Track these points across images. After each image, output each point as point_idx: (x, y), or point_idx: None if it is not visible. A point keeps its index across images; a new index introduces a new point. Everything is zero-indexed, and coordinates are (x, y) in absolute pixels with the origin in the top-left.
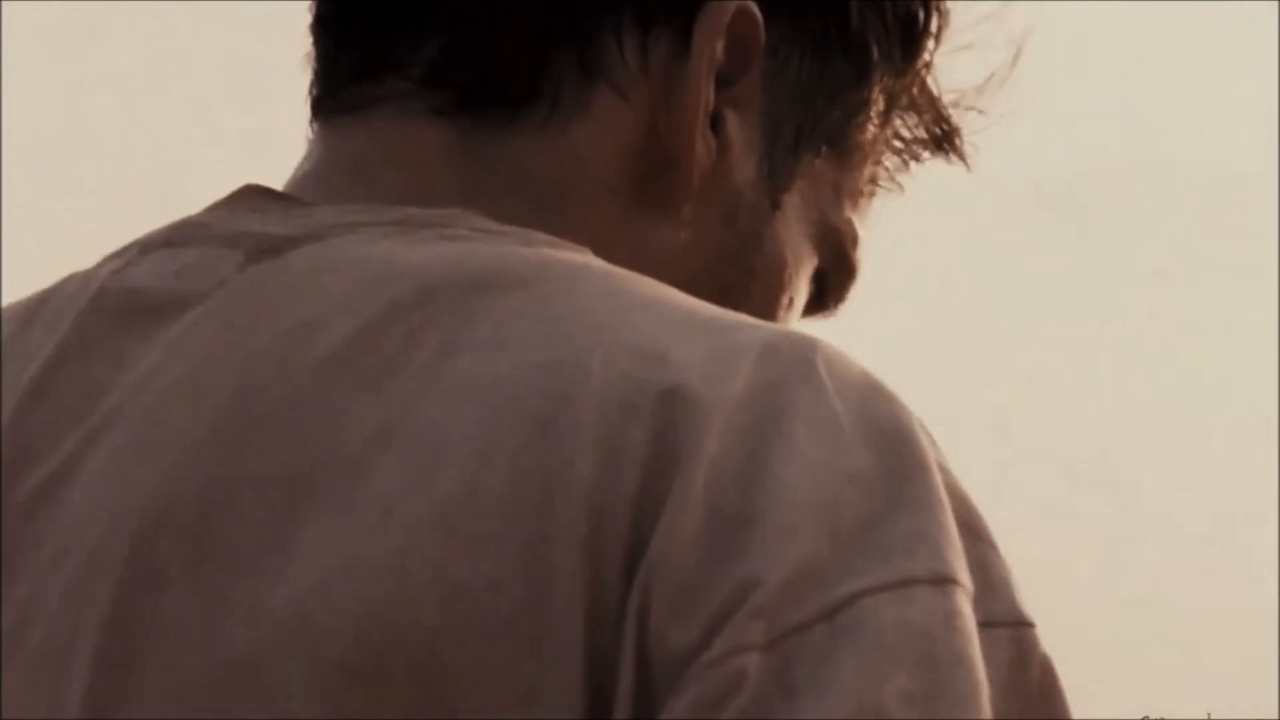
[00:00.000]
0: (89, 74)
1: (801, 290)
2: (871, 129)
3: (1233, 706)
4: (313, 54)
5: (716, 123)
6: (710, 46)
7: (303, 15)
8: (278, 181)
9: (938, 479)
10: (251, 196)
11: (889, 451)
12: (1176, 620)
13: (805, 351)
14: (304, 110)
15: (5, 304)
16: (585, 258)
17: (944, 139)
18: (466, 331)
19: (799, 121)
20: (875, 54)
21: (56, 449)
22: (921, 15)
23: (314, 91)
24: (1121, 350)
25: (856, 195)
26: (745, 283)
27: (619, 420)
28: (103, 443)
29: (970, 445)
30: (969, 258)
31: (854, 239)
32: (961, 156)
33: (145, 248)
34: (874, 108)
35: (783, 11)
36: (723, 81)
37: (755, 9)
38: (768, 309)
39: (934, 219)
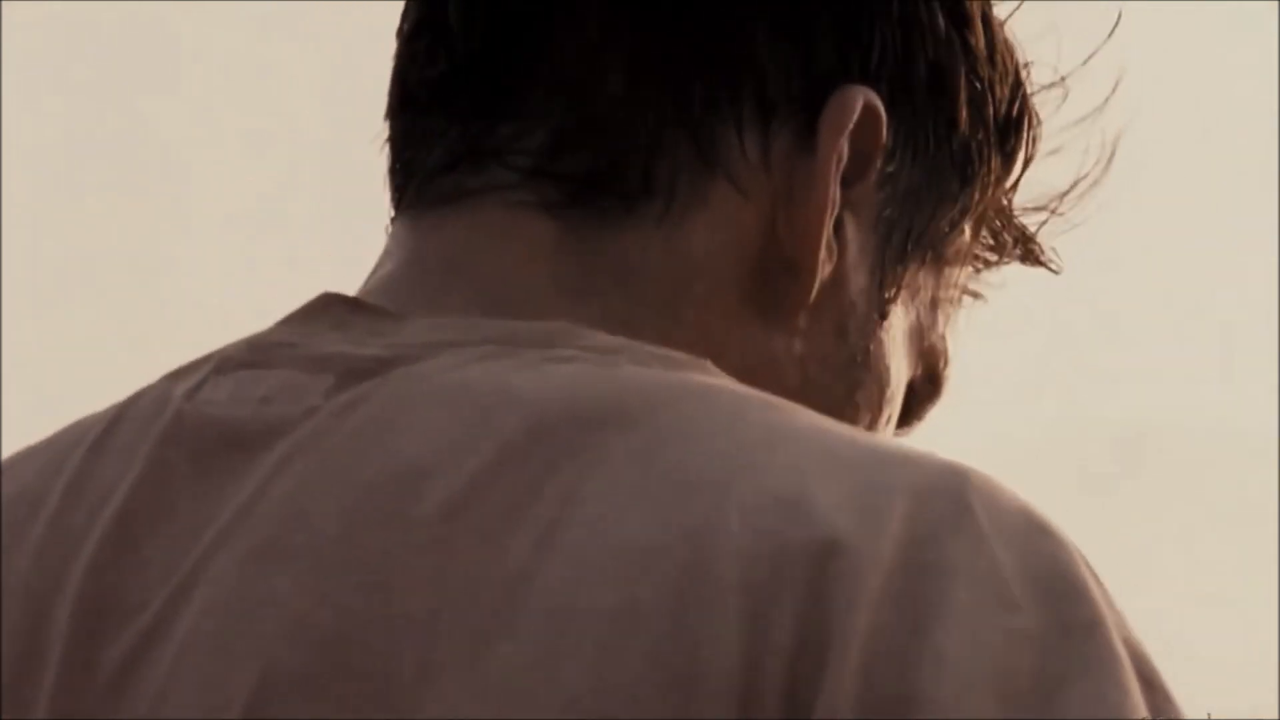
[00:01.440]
0: (89, 74)
1: (899, 407)
2: (967, 237)
3: (1233, 707)
4: (395, 138)
5: (837, 227)
6: (838, 144)
7: (304, 15)
8: (276, 188)
9: (1112, 631)
10: (333, 308)
11: (1059, 604)
12: (1177, 621)
13: (958, 491)
14: (306, 112)
15: (72, 421)
16: (705, 378)
17: (1028, 249)
18: (587, 483)
19: (907, 228)
20: (980, 158)
21: (143, 607)
22: (1022, 121)
23: (397, 180)
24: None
25: (949, 307)
26: (851, 399)
27: (764, 591)
28: (194, 602)
29: None
30: None
31: (946, 357)
32: (1045, 264)
33: (222, 367)
34: (973, 215)
35: (898, 111)
36: (844, 182)
37: (881, 106)
38: (875, 428)
39: None
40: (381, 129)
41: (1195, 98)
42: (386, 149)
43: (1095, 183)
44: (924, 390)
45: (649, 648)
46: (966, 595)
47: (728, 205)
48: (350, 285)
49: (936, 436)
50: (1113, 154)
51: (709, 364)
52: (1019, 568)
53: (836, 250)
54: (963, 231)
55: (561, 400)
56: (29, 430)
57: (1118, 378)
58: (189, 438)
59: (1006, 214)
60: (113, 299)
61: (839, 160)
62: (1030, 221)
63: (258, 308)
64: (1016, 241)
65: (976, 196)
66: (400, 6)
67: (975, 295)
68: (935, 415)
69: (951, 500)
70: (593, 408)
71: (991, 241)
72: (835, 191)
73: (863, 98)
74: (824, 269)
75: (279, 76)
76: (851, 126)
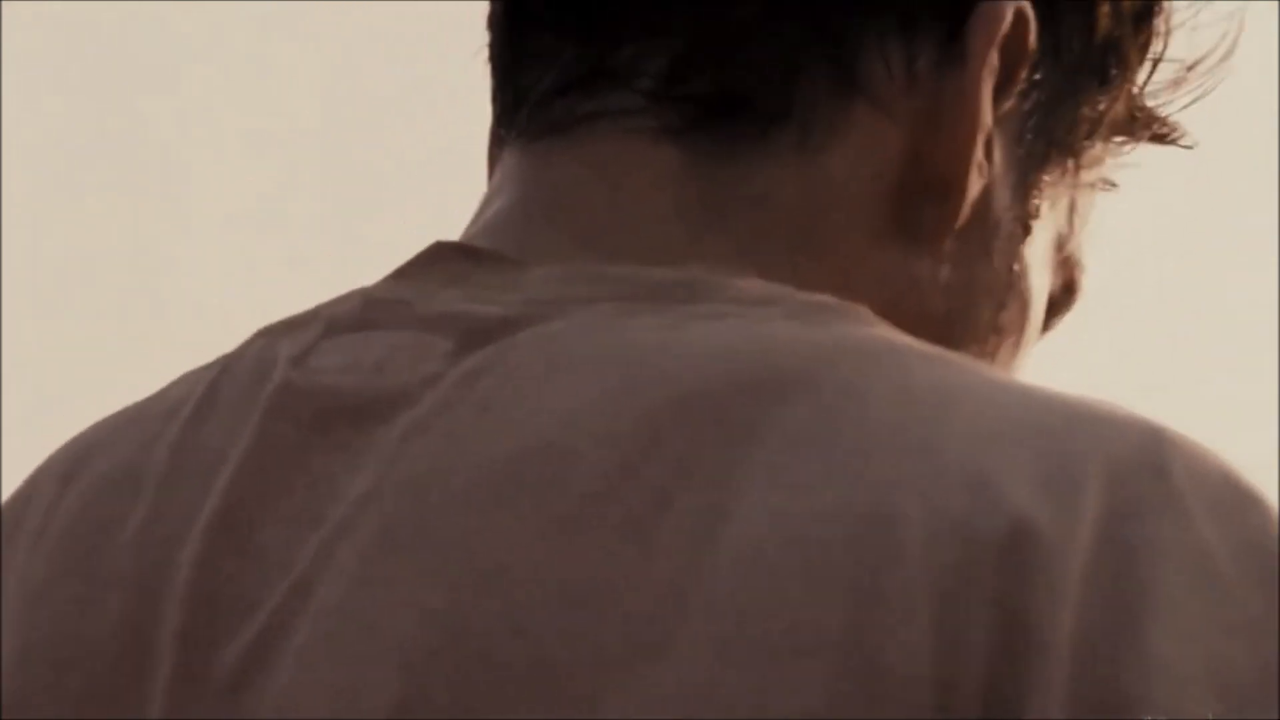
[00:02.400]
0: (89, 74)
1: (1040, 325)
2: (1104, 138)
3: None
4: (501, 55)
5: (986, 145)
6: (989, 56)
7: (309, 15)
8: (276, 188)
9: None
10: (449, 259)
11: (1275, 586)
12: None
13: (1158, 459)
14: (305, 109)
15: (167, 382)
16: (863, 330)
17: (1160, 130)
18: (745, 466)
19: (1049, 136)
20: (1119, 54)
21: (259, 603)
22: (1154, 6)
23: (505, 103)
24: None
25: (1085, 211)
26: (996, 322)
27: (954, 589)
28: (316, 599)
29: None
30: None
31: (1084, 268)
32: (1177, 142)
33: (331, 328)
34: (1116, 118)
35: (1041, 11)
36: (993, 96)
37: (1030, 10)
38: (1018, 348)
39: None
40: (480, 46)
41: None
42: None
43: (1224, 56)
44: (1060, 301)
45: (827, 667)
46: (1176, 582)
47: (870, 128)
48: (350, 285)
49: None
50: (1239, 27)
51: (864, 310)
52: (1230, 547)
53: (986, 169)
54: (1103, 136)
55: (711, 367)
56: (29, 430)
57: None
58: (300, 410)
59: (1138, 101)
60: (112, 298)
61: (990, 75)
62: (1159, 101)
63: (258, 308)
64: (1147, 124)
65: (1115, 94)
66: (399, 9)
67: (1109, 187)
68: None
69: (1151, 471)
70: (746, 374)
71: (1123, 128)
72: (987, 109)
73: (1011, 4)
74: (973, 190)
75: (279, 76)
76: (1002, 37)
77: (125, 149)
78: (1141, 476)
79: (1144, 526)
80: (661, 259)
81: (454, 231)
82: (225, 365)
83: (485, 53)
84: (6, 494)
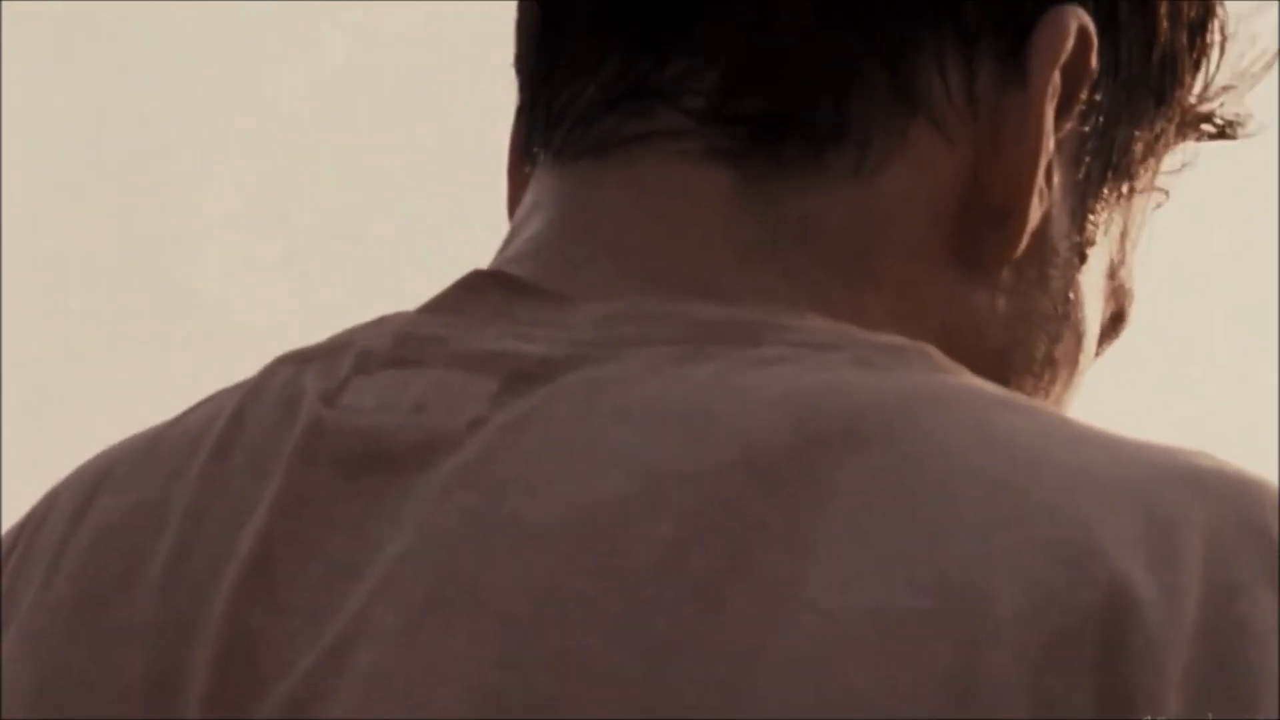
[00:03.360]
0: (89, 74)
1: (1093, 357)
2: (1159, 156)
3: None
4: (535, 67)
5: (1047, 170)
6: (1052, 76)
7: (311, 13)
8: (280, 184)
9: None
10: (490, 290)
11: None
12: None
13: (1259, 520)
14: (307, 110)
15: (180, 412)
16: (935, 376)
17: (1217, 129)
18: (819, 526)
19: (1106, 158)
20: (1176, 73)
21: (292, 664)
22: (1210, 19)
23: (539, 119)
24: None
25: (1137, 236)
26: (1051, 355)
27: (1054, 665)
28: (356, 665)
29: None
30: None
31: (1133, 296)
32: (1234, 136)
33: (363, 363)
34: (1169, 136)
35: (1101, 27)
36: (1055, 118)
37: (1092, 27)
38: (1071, 382)
39: None
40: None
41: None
42: (518, 79)
43: (1272, 61)
44: (1108, 331)
45: None
46: None
47: (929, 150)
48: (352, 286)
49: None
50: None
51: (933, 352)
52: None
53: (1046, 195)
54: (1157, 154)
55: (779, 420)
56: (29, 429)
57: None
58: (332, 452)
59: (1190, 108)
60: (112, 297)
61: (1053, 94)
62: (1210, 103)
63: (256, 306)
64: (1197, 125)
65: (1171, 114)
66: (399, 9)
67: (1161, 204)
68: None
69: (1254, 536)
70: (817, 428)
71: (1176, 136)
72: (1049, 132)
73: (1076, 20)
74: (1034, 217)
75: (279, 75)
76: (1066, 57)
77: (125, 146)
78: (1244, 543)
79: (1251, 602)
80: (714, 292)
81: (470, 235)
82: (249, 394)
83: (502, 57)
84: (7, 494)
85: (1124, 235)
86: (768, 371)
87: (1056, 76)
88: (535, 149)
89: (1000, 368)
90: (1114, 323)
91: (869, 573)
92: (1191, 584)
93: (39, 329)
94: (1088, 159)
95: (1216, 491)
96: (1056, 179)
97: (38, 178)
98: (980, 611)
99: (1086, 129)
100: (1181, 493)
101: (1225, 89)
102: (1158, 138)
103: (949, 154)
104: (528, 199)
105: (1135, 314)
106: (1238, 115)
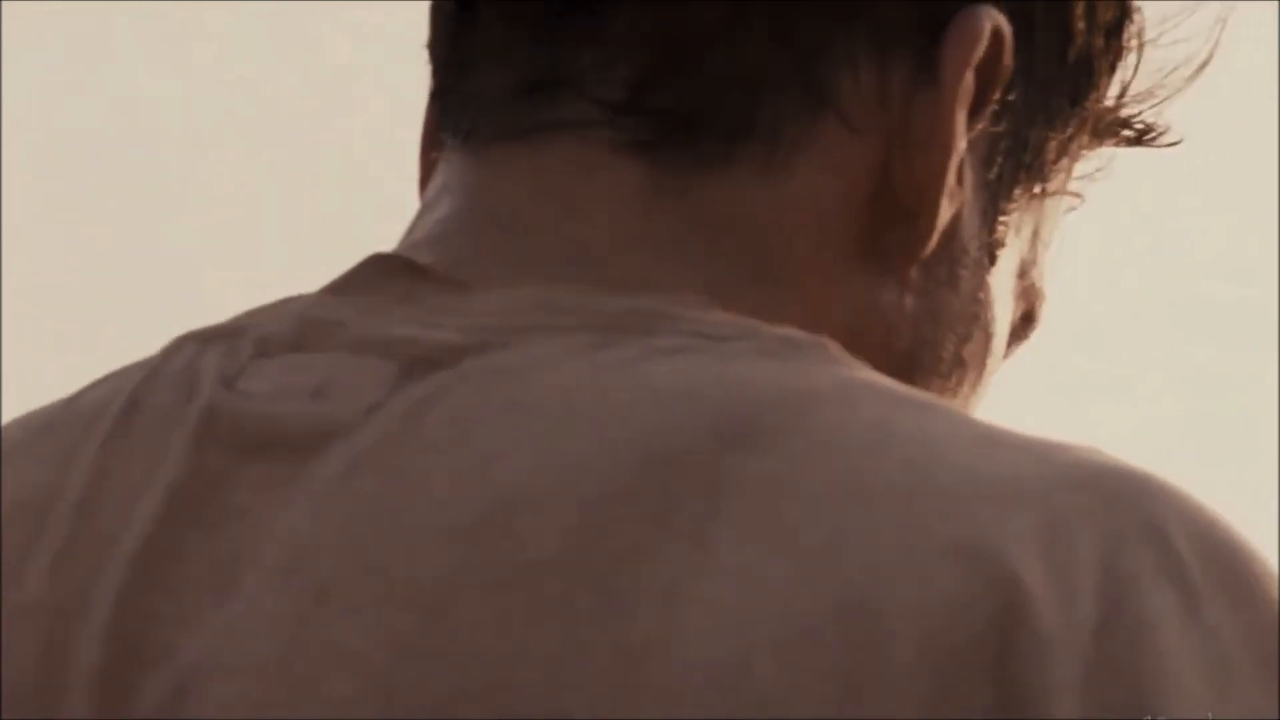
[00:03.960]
0: (89, 74)
1: (1001, 358)
2: (1072, 157)
3: None
4: (446, 50)
5: (958, 169)
6: (964, 76)
7: (315, 11)
8: (275, 184)
9: None
10: (391, 274)
11: (1275, 671)
12: None
13: (1156, 520)
14: (316, 113)
15: (79, 389)
16: (836, 370)
17: (1136, 133)
18: (718, 523)
19: (1019, 159)
20: (1093, 72)
21: (180, 645)
22: (1126, 19)
23: (449, 104)
24: None
25: (1049, 237)
26: (959, 355)
27: (951, 670)
28: (240, 649)
29: None
30: None
31: (1044, 296)
32: (1154, 142)
33: (263, 348)
34: (1083, 138)
35: (1017, 28)
36: (967, 118)
37: (1007, 28)
38: (980, 381)
39: None
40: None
41: (1192, 105)
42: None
43: (1203, 65)
44: (1019, 330)
45: None
46: (1182, 669)
47: (839, 148)
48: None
49: None
50: (1220, 34)
51: (834, 347)
52: (1234, 628)
53: (957, 195)
54: (1071, 154)
55: (679, 413)
56: None
57: None
58: (229, 437)
59: (1107, 110)
60: (112, 296)
61: (965, 95)
62: (1131, 108)
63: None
64: (1116, 130)
65: (1085, 114)
66: (399, 9)
67: (1075, 206)
68: None
69: (1151, 536)
70: (713, 422)
71: (1091, 139)
72: (961, 132)
73: (989, 21)
74: (943, 216)
75: (280, 73)
76: (979, 57)
77: (126, 143)
78: (1141, 543)
79: (1148, 603)
80: (617, 283)
81: None
82: (147, 374)
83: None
84: None
85: (1036, 236)
86: (668, 362)
87: (969, 77)
88: (445, 133)
89: (908, 367)
90: (1024, 323)
91: (767, 571)
92: (1089, 584)
93: (39, 327)
94: (1000, 159)
95: (1114, 491)
96: (968, 179)
97: (40, 177)
98: (877, 612)
99: (999, 129)
100: (1079, 493)
101: (1143, 94)
102: (1071, 139)
103: (860, 152)
104: (436, 181)
105: (1045, 315)
106: (1155, 123)
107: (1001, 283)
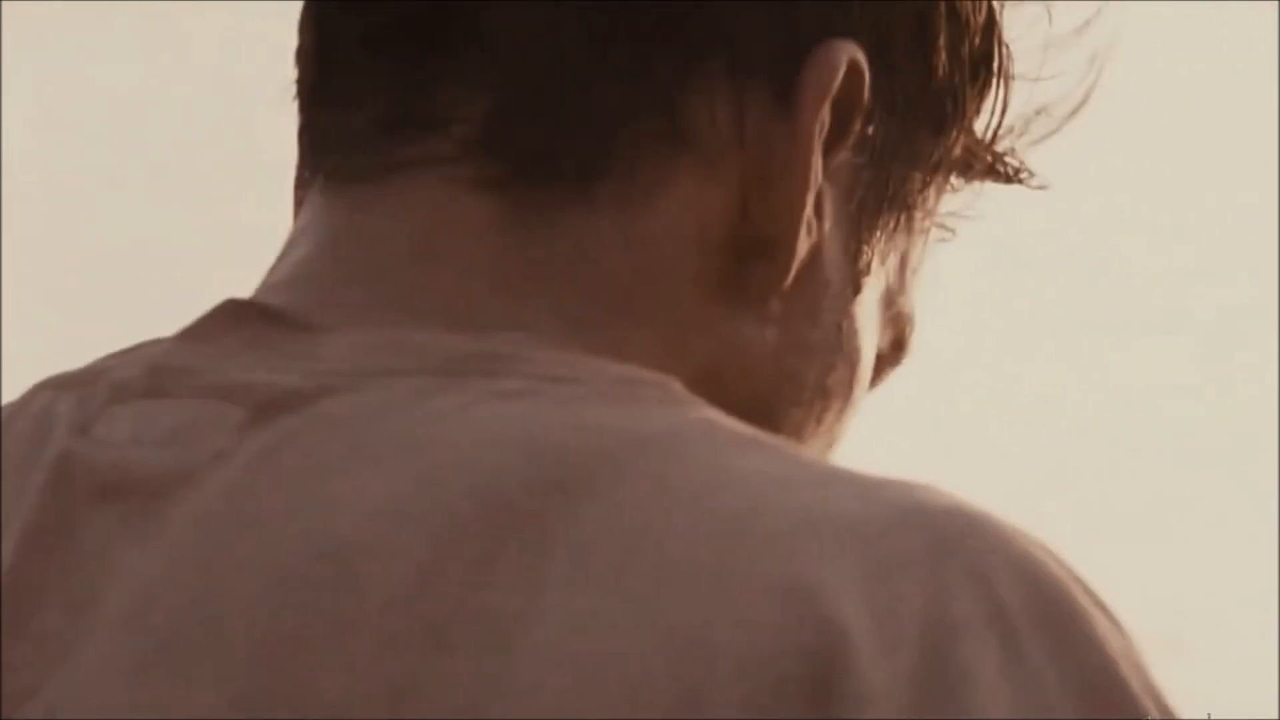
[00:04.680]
0: (89, 75)
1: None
2: (938, 187)
3: (1233, 708)
4: (309, 92)
5: (816, 202)
6: (820, 112)
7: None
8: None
9: None
10: (243, 321)
11: (1103, 709)
12: (1176, 620)
13: (981, 565)
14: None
15: None
16: (675, 412)
17: (1003, 170)
18: (549, 568)
19: (881, 189)
20: (956, 103)
21: (35, 692)
22: (993, 51)
23: (313, 144)
24: None
25: (916, 264)
26: (823, 384)
27: (770, 708)
28: (87, 706)
29: None
30: None
31: (913, 322)
32: (1020, 181)
33: (118, 394)
34: (946, 165)
35: (876, 63)
36: (824, 152)
37: (864, 63)
38: (845, 410)
39: None
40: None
41: (1192, 105)
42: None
43: (1076, 109)
44: (889, 358)
45: None
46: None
47: (696, 185)
48: None
49: None
50: (1097, 78)
51: (675, 386)
52: (1060, 676)
53: (816, 227)
54: (936, 185)
55: (507, 460)
56: None
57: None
58: (82, 483)
59: (977, 144)
60: (112, 295)
61: (821, 129)
62: (1002, 146)
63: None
64: (988, 167)
65: (950, 144)
66: None
67: (945, 237)
68: None
69: (975, 582)
70: (547, 467)
71: (959, 172)
72: (818, 165)
73: (846, 56)
74: (801, 249)
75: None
76: (835, 91)
77: (125, 150)
78: (965, 587)
79: (969, 653)
80: (470, 324)
81: None
82: (6, 420)
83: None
84: None
85: (904, 264)
86: (506, 406)
87: (825, 111)
88: (308, 170)
89: (771, 399)
90: (894, 350)
91: (597, 617)
92: (912, 634)
93: (39, 327)
94: (861, 191)
95: (942, 534)
96: (828, 210)
97: (38, 178)
98: (702, 656)
99: (860, 161)
100: (907, 535)
101: (1014, 132)
102: (935, 169)
103: (717, 188)
104: (297, 223)
105: (916, 343)
106: (1021, 165)
107: (867, 311)
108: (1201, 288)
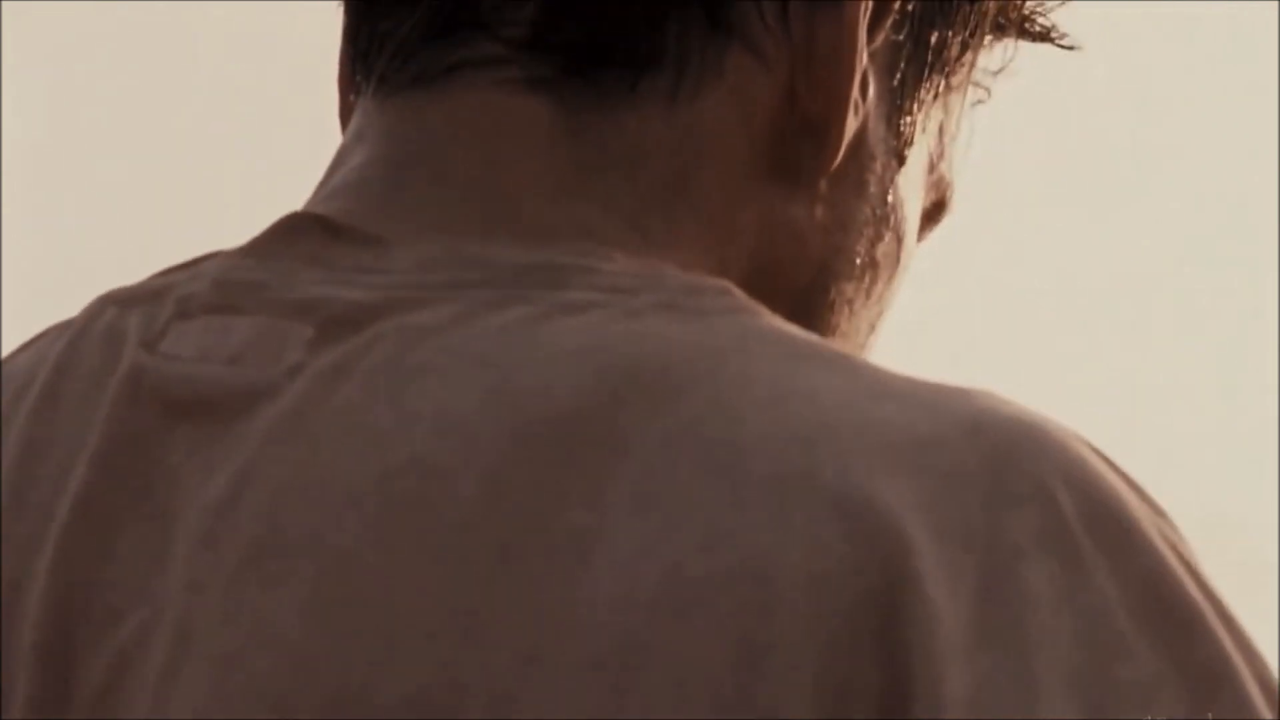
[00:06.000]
0: (89, 75)
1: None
2: (975, 49)
3: None
4: (356, 6)
5: (861, 83)
6: None
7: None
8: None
9: (1247, 685)
10: (307, 235)
11: (1177, 642)
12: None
13: (1046, 481)
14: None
15: (11, 351)
16: (738, 324)
17: (1036, 28)
18: (614, 483)
19: (921, 61)
20: None
21: (119, 617)
22: None
23: (361, 50)
24: None
25: (955, 128)
26: (872, 256)
27: (839, 635)
28: (178, 621)
29: None
30: None
31: (953, 185)
32: (1054, 40)
33: (184, 309)
34: (984, 31)
35: None
36: (867, 33)
37: None
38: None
39: None
40: None
41: (1194, 106)
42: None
43: None
44: (930, 216)
45: (711, 713)
46: (1070, 640)
47: (745, 75)
48: None
49: None
50: None
51: (736, 292)
52: (1125, 595)
53: (861, 107)
54: (973, 47)
55: (581, 374)
56: None
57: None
58: (154, 399)
59: (1011, 5)
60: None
61: (865, 13)
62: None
63: None
64: (1019, 24)
65: (987, 9)
66: None
67: (981, 99)
68: None
69: (1041, 500)
70: (614, 382)
71: (993, 31)
72: (863, 49)
73: None
74: (849, 130)
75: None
76: None
77: (127, 149)
78: (1026, 507)
79: (1034, 571)
80: (531, 229)
81: None
82: (73, 337)
83: None
84: None
85: (942, 131)
86: (572, 320)
87: None
88: (358, 77)
89: (823, 275)
90: (935, 210)
91: (664, 534)
92: (973, 549)
93: (39, 327)
94: (903, 65)
95: (1001, 448)
96: (872, 89)
97: (38, 179)
98: (769, 576)
99: (899, 38)
100: (966, 449)
101: None
102: (973, 34)
103: (765, 77)
104: (350, 130)
105: (956, 202)
106: (1053, 24)
107: (911, 180)
108: (1200, 294)
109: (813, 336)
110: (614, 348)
